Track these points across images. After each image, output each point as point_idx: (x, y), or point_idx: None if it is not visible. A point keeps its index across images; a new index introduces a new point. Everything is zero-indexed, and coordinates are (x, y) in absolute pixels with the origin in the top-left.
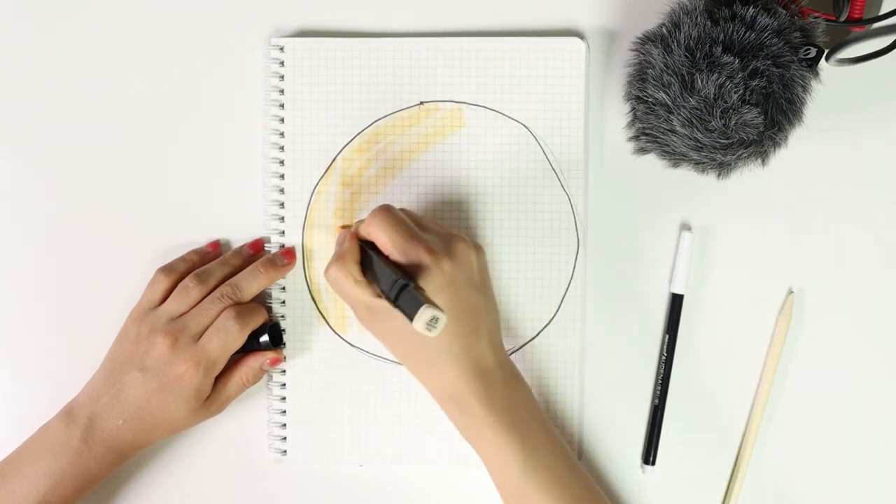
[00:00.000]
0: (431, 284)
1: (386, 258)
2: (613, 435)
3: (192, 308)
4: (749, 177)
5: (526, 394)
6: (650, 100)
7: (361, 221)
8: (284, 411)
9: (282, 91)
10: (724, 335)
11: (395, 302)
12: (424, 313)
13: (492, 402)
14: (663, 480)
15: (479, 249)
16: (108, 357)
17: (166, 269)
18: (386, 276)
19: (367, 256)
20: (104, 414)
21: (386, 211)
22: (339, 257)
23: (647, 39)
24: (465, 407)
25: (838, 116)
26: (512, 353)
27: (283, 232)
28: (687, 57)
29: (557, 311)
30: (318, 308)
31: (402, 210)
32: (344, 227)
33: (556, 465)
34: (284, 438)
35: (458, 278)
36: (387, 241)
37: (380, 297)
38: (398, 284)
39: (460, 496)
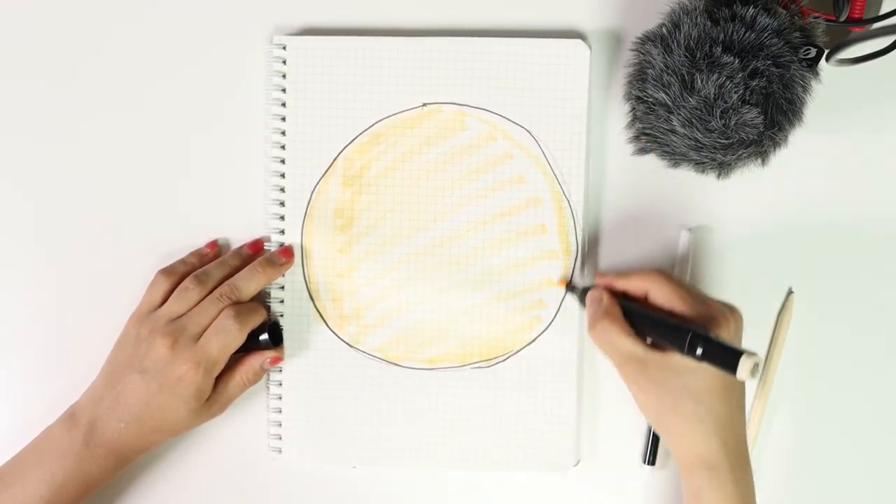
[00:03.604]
0: (725, 336)
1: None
2: (613, 435)
3: (191, 309)
4: (749, 177)
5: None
6: (650, 100)
7: (615, 277)
8: (281, 410)
9: (283, 90)
10: None
11: (698, 354)
12: (747, 361)
13: (737, 479)
14: (663, 480)
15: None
16: (108, 360)
17: (166, 272)
18: (671, 328)
19: (629, 311)
20: (105, 417)
21: (664, 272)
22: (605, 313)
23: (647, 39)
24: (715, 476)
25: (838, 116)
26: (512, 353)
27: (283, 231)
28: (687, 57)
29: (557, 311)
30: (315, 307)
31: None
32: (564, 283)
33: None
34: (280, 437)
35: (738, 340)
36: (673, 296)
37: (653, 349)
38: (702, 336)
39: (457, 497)
